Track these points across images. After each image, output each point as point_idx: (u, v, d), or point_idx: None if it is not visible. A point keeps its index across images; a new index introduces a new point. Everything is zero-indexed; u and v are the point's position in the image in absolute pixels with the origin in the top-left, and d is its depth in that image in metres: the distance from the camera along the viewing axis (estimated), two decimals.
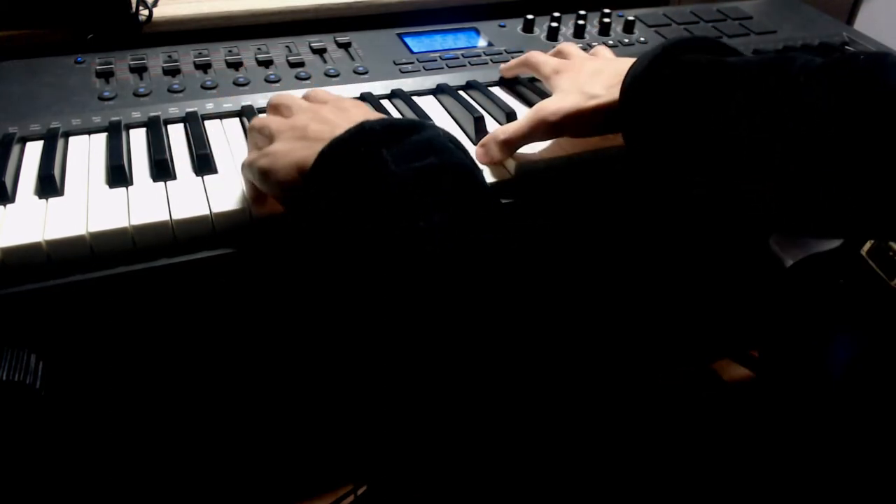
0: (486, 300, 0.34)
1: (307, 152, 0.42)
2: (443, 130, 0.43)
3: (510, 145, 0.56)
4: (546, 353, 0.34)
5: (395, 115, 0.63)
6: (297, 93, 0.65)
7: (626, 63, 0.54)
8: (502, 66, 0.71)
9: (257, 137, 0.49)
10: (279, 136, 0.46)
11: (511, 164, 0.57)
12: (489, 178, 0.57)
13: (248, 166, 0.47)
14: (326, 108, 0.47)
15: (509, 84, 0.72)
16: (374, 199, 0.37)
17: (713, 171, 0.48)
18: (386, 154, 0.38)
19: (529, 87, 0.69)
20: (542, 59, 0.64)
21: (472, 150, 0.59)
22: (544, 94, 0.67)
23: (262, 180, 0.45)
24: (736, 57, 0.50)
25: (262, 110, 0.64)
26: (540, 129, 0.55)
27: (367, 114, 0.47)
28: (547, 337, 0.35)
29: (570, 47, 0.65)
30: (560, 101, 0.55)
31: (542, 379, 0.34)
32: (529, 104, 0.68)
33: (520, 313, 0.35)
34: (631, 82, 0.51)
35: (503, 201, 0.57)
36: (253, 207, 0.50)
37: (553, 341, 0.35)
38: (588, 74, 0.57)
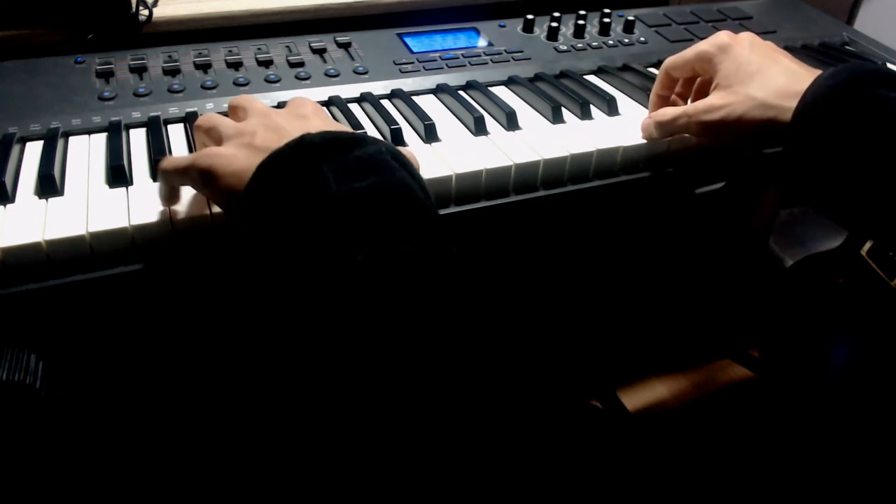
0: (412, 322, 0.35)
1: (251, 161, 0.40)
2: (386, 145, 0.41)
3: (663, 129, 0.60)
4: (456, 370, 0.35)
5: (396, 115, 0.63)
6: (297, 93, 0.66)
7: (790, 66, 0.55)
8: (650, 122, 0.62)
9: (204, 139, 0.48)
10: (226, 140, 0.44)
11: None
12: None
13: (181, 168, 0.45)
14: (282, 114, 0.46)
15: (511, 84, 0.72)
16: (312, 219, 0.36)
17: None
18: (326, 170, 0.37)
19: (530, 88, 0.69)
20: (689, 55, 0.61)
21: (473, 145, 0.59)
22: (541, 94, 0.67)
23: (201, 182, 0.44)
24: None
25: None
26: (692, 129, 0.58)
27: (326, 123, 0.46)
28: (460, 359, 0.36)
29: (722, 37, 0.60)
30: (726, 106, 0.55)
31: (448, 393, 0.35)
32: (530, 104, 0.68)
33: (439, 337, 0.35)
34: (808, 107, 0.51)
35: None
36: (165, 204, 0.49)
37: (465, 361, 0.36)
38: (752, 74, 0.56)
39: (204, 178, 0.43)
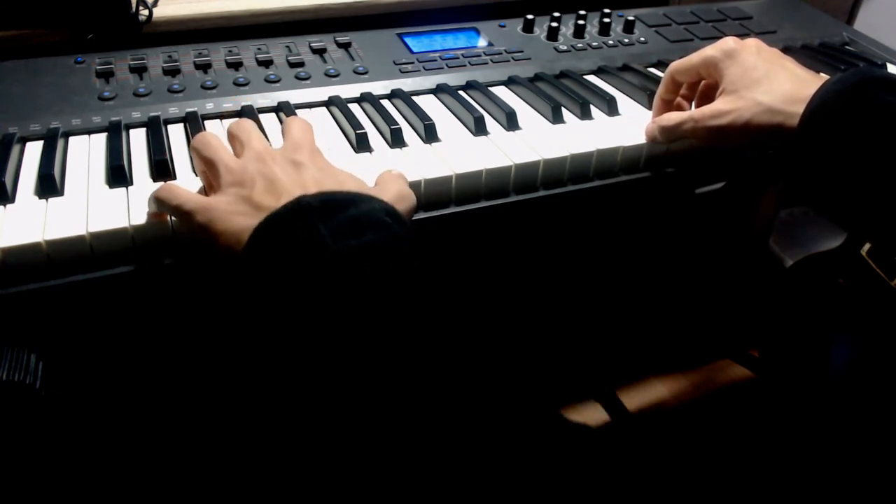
0: (410, 376, 0.35)
1: (248, 222, 0.41)
2: (378, 202, 0.41)
3: (668, 134, 0.60)
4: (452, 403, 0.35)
5: (396, 115, 0.63)
6: (297, 93, 0.66)
7: (797, 71, 0.55)
8: (654, 125, 0.62)
9: (200, 165, 0.48)
10: (223, 187, 0.45)
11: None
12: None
13: (179, 211, 0.45)
14: (278, 159, 0.45)
15: (511, 84, 0.72)
16: (309, 276, 0.37)
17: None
18: (323, 230, 0.38)
19: (530, 88, 0.69)
20: (694, 60, 0.61)
21: (473, 145, 0.59)
22: (541, 94, 0.67)
23: (198, 233, 0.44)
24: None
25: (262, 110, 0.64)
26: (698, 134, 0.58)
27: (321, 172, 0.45)
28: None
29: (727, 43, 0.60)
30: (733, 111, 0.55)
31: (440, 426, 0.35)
32: (530, 104, 0.68)
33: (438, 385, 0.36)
34: (816, 112, 0.51)
35: None
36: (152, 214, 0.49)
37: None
38: (759, 79, 0.56)
39: (201, 231, 0.44)
